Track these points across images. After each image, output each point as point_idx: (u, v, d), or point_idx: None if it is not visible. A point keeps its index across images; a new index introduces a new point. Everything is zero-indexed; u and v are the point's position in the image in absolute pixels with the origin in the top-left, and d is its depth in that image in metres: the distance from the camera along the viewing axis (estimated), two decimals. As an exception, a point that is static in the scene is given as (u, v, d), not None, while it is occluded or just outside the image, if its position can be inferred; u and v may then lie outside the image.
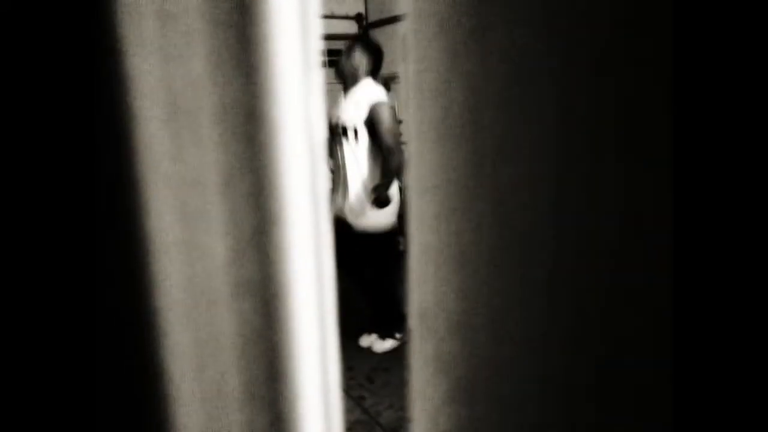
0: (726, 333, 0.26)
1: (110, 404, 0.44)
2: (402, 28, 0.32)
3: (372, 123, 2.56)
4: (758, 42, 0.23)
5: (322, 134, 0.40)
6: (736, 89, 0.24)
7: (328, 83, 2.87)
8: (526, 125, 0.29)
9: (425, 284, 0.35)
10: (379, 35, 5.13)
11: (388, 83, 4.82)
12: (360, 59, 2.62)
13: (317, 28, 0.38)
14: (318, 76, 0.39)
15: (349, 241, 2.65)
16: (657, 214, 0.26)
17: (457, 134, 0.31)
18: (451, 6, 0.30)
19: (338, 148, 2.66)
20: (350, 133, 2.60)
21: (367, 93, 2.61)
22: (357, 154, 2.63)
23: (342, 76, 2.68)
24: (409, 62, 0.32)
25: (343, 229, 2.65)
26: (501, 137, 0.30)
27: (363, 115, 2.57)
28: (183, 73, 0.39)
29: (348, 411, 2.34)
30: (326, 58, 4.62)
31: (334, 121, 2.69)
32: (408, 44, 0.32)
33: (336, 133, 2.66)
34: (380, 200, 2.58)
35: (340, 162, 2.66)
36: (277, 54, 0.37)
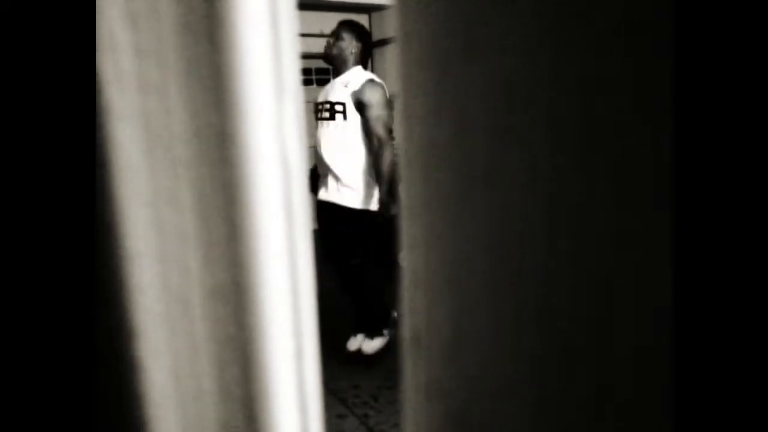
0: (729, 357, 0.25)
1: (87, 404, 0.45)
2: (392, 51, 0.32)
3: (361, 104, 2.35)
4: (759, 42, 0.22)
5: (299, 152, 0.42)
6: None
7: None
8: (516, 150, 0.29)
9: (417, 309, 0.35)
10: (382, 54, 5.17)
11: (390, 101, 4.84)
12: (348, 42, 2.42)
13: (293, 48, 0.39)
14: (294, 96, 0.40)
15: (336, 227, 2.48)
16: (654, 236, 0.26)
17: (446, 159, 0.31)
18: (439, 30, 0.30)
19: (323, 130, 2.43)
20: (338, 112, 2.37)
21: (359, 75, 2.42)
22: (346, 134, 2.39)
23: (330, 61, 2.48)
24: (398, 85, 0.32)
25: (331, 214, 2.48)
26: (491, 162, 0.30)
27: (354, 92, 2.36)
28: (158, 102, 0.42)
29: (353, 429, 2.32)
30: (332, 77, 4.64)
31: (320, 101, 2.47)
32: (396, 68, 0.32)
33: (322, 117, 2.44)
34: (386, 216, 2.37)
35: (326, 144, 2.43)
36: (249, 79, 0.38)
